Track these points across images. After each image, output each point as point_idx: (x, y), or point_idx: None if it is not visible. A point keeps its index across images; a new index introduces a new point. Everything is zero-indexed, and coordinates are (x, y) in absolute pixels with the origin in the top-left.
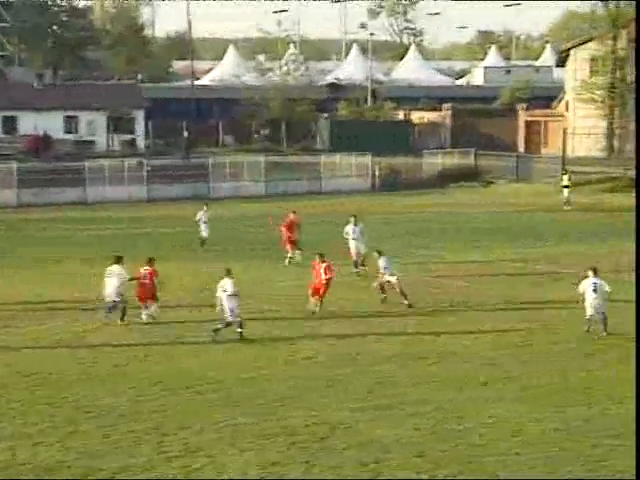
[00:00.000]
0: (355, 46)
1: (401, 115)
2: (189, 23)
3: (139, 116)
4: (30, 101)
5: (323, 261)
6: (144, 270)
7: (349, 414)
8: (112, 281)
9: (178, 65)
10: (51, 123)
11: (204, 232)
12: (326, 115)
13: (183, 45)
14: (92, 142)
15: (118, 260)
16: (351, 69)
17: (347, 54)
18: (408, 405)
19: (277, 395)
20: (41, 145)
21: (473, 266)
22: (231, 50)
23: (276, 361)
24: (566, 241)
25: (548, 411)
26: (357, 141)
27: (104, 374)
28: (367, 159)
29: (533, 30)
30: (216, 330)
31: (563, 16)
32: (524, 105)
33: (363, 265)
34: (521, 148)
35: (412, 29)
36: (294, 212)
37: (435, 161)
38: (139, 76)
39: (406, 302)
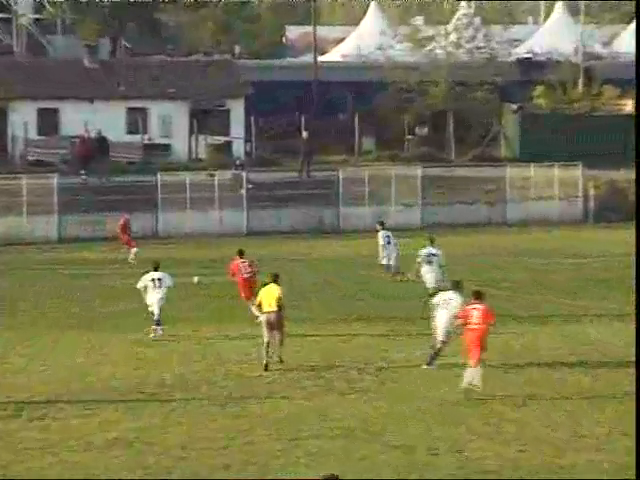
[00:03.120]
0: (559, 4)
1: (629, 106)
2: None
3: (236, 108)
4: (78, 86)
5: None
6: (242, 263)
7: None
8: None
9: (293, 33)
10: (108, 119)
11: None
12: (515, 106)
13: (301, 4)
14: (167, 147)
15: None
16: (553, 38)
17: (547, 16)
18: None
19: None
20: (93, 151)
21: None
22: (373, 10)
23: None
24: None
25: None
26: (561, 145)
27: None
28: (577, 172)
29: None
30: None
31: None
32: None
33: None
34: None
35: None
36: None
37: None
38: (236, 49)
39: None
